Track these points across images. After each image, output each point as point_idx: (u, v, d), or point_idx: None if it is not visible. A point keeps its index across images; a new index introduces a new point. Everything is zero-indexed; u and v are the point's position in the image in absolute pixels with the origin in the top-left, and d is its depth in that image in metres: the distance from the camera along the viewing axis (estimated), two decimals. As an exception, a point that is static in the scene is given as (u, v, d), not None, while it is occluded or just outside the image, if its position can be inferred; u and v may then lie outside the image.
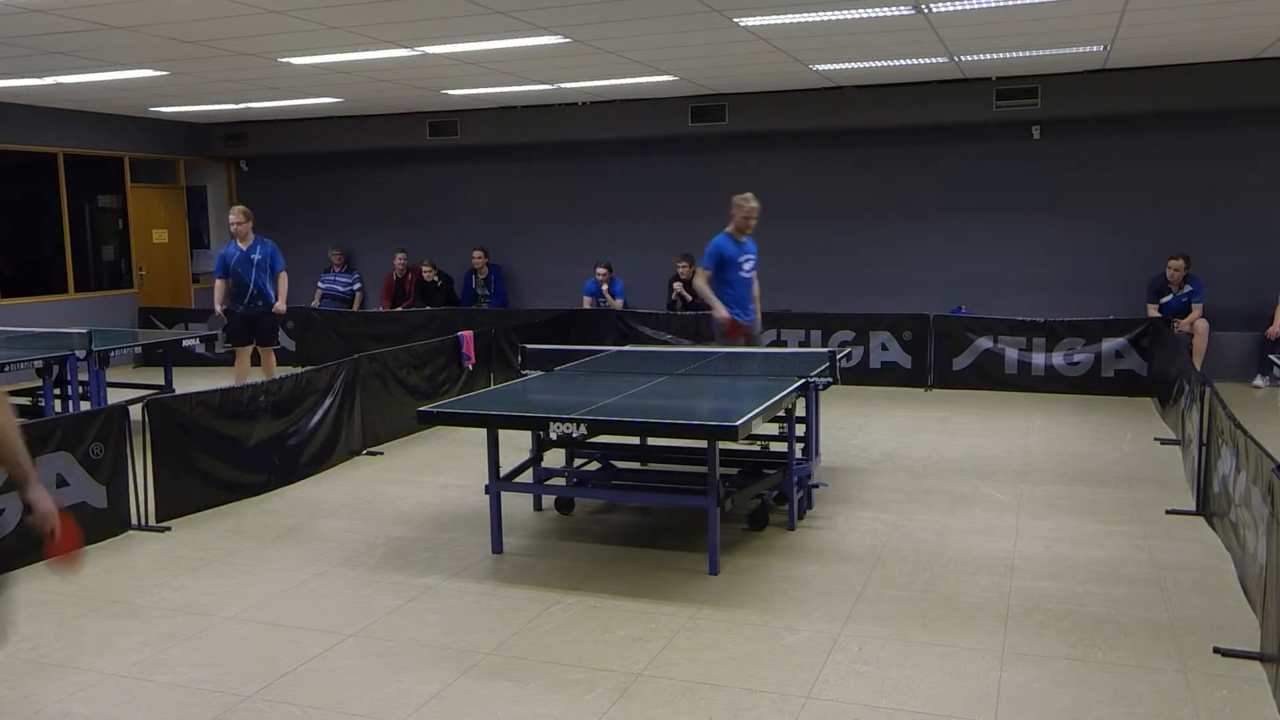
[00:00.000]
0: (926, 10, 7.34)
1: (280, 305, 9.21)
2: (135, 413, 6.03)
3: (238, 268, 9.08)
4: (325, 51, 8.56)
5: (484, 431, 5.51)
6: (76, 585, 5.03)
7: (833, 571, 5.08)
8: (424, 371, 8.84)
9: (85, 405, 7.87)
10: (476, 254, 12.95)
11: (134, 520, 5.93)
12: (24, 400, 9.00)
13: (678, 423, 5.00)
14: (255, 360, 9.50)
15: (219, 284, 9.17)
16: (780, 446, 6.28)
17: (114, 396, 8.02)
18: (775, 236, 12.04)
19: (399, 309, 12.89)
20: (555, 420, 4.94)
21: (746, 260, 7.48)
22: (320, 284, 13.66)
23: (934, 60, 9.47)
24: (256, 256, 9.08)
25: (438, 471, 7.32)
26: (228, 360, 12.38)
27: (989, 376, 10.24)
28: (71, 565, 2.96)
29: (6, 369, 7.64)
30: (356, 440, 7.80)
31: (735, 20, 7.53)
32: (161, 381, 8.98)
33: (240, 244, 9.11)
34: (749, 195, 7.45)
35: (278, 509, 6.35)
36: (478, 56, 8.89)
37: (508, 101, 11.92)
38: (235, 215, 9.11)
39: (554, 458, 6.41)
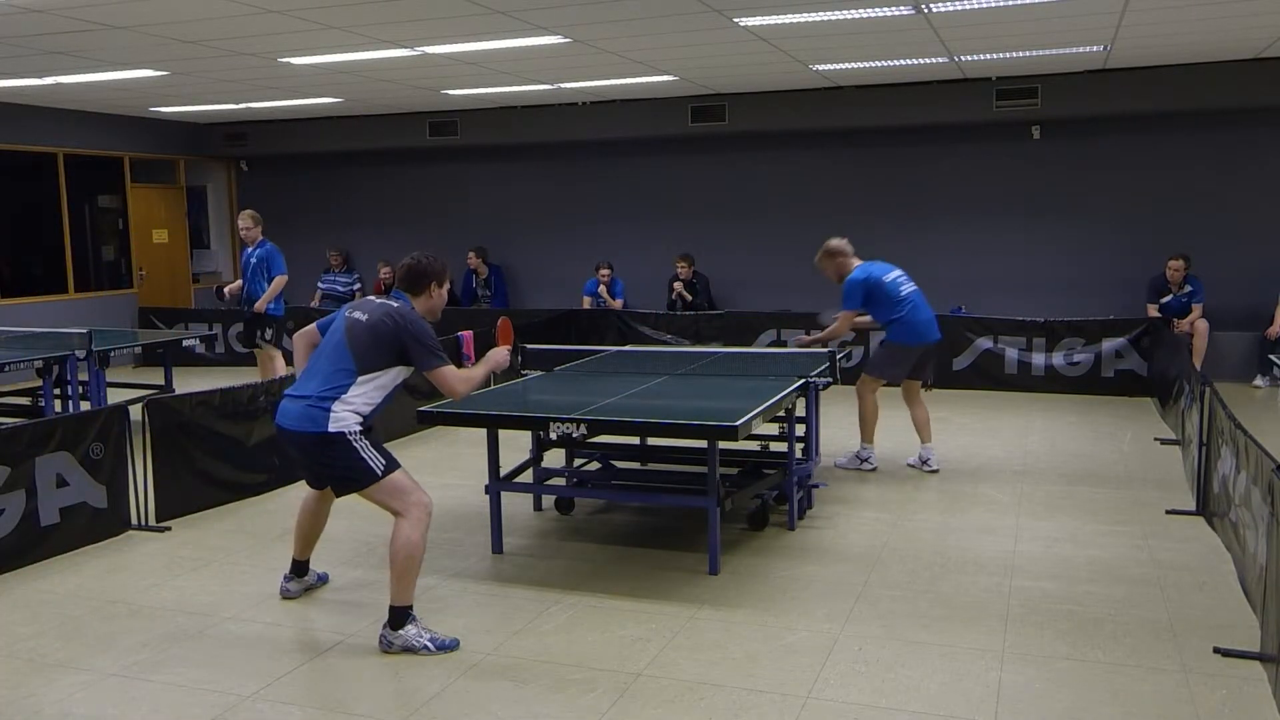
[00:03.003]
0: (926, 10, 7.34)
1: (257, 305, 9.21)
2: (135, 413, 6.03)
3: (243, 270, 9.41)
4: (325, 51, 8.56)
5: (484, 431, 5.52)
6: (76, 585, 5.04)
7: (833, 571, 5.08)
8: (424, 371, 8.82)
9: (85, 405, 7.86)
10: (476, 254, 12.95)
11: (134, 520, 5.93)
12: (24, 400, 9.01)
13: (678, 423, 5.00)
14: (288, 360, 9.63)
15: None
16: (780, 446, 6.28)
17: (114, 396, 8.01)
18: (775, 237, 12.13)
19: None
20: (555, 420, 4.94)
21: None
22: (320, 284, 13.66)
23: (934, 60, 9.47)
24: (254, 260, 9.21)
25: (438, 471, 7.31)
26: (228, 360, 12.49)
27: (989, 376, 10.24)
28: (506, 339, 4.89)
29: (6, 369, 7.63)
30: (356, 440, 7.78)
31: (735, 20, 7.52)
32: (161, 381, 8.97)
33: (250, 247, 9.35)
34: None
35: (278, 509, 6.35)
36: (478, 56, 8.89)
37: (508, 101, 11.92)
38: (241, 220, 9.36)
39: (554, 458, 6.41)
